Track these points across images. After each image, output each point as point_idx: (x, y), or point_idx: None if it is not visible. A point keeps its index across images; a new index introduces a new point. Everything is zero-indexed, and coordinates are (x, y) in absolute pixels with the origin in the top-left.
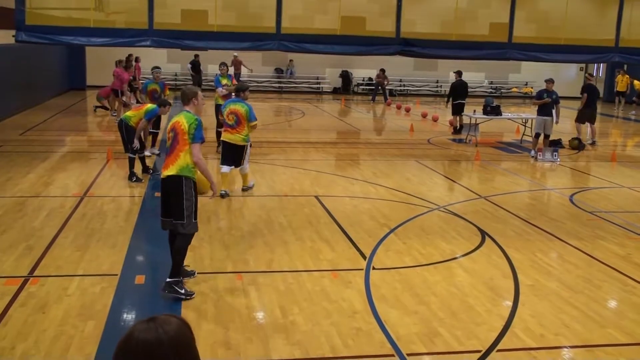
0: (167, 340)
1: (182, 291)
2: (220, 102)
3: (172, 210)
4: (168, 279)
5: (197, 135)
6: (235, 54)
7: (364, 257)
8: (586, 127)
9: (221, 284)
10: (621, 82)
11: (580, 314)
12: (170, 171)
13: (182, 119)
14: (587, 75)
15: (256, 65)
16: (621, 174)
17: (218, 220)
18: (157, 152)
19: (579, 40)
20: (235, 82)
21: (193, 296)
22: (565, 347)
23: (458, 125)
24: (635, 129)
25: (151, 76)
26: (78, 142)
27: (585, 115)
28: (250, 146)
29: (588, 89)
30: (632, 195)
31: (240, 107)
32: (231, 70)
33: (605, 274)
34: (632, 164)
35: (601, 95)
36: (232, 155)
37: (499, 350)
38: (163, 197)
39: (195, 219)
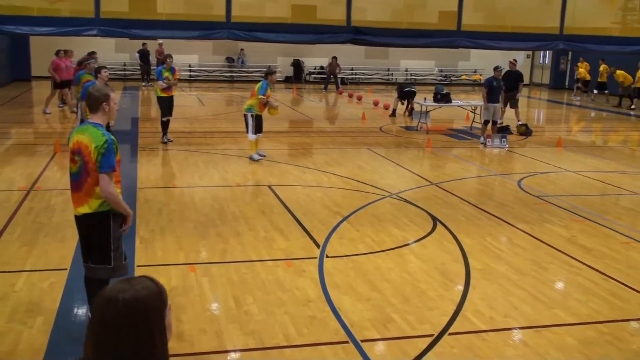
0: (122, 301)
1: None
2: (160, 94)
3: (93, 253)
4: None
5: (104, 163)
6: (160, 41)
7: (317, 245)
8: (511, 112)
9: (174, 276)
10: (580, 69)
11: (528, 295)
12: (85, 208)
13: (88, 140)
14: (510, 62)
15: (207, 55)
16: (567, 159)
17: (170, 211)
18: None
19: (526, 28)
20: (177, 76)
21: None
22: (514, 328)
23: (406, 110)
24: (581, 115)
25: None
26: (24, 134)
27: (507, 98)
28: (253, 117)
29: (504, 74)
30: (578, 179)
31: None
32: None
33: (552, 256)
34: (578, 149)
35: (546, 82)
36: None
37: (450, 334)
38: (81, 239)
39: (126, 259)
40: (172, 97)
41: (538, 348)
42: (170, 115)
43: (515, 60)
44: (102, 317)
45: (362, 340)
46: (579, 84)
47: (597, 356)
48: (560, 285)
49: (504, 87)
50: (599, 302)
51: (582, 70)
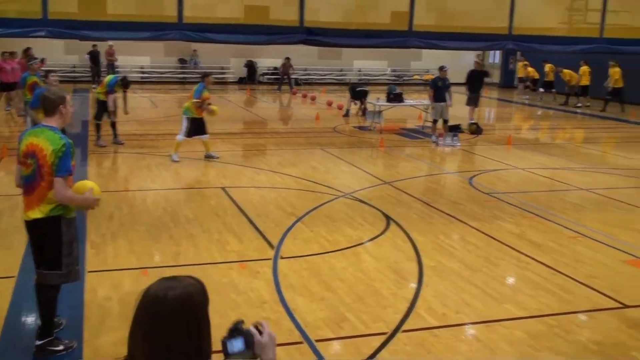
0: (172, 298)
1: (61, 347)
2: (102, 98)
3: (45, 258)
4: (38, 342)
5: (61, 167)
6: (111, 43)
7: (271, 246)
8: (472, 111)
9: (126, 281)
10: (521, 68)
11: (479, 291)
12: (36, 213)
13: (44, 143)
14: (476, 61)
15: (158, 56)
16: (516, 156)
17: (121, 215)
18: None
19: (476, 28)
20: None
21: (75, 345)
22: (466, 324)
23: (360, 110)
24: (530, 113)
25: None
26: None
27: (471, 98)
28: (188, 120)
29: (469, 74)
30: (526, 176)
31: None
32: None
33: (502, 252)
34: (526, 146)
35: (496, 80)
36: None
37: (404, 331)
38: (32, 245)
39: (78, 264)
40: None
41: (489, 342)
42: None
43: (481, 59)
44: (152, 314)
45: (316, 340)
46: (528, 83)
47: (546, 349)
48: (510, 280)
49: (467, 86)
50: (547, 296)
51: (531, 69)
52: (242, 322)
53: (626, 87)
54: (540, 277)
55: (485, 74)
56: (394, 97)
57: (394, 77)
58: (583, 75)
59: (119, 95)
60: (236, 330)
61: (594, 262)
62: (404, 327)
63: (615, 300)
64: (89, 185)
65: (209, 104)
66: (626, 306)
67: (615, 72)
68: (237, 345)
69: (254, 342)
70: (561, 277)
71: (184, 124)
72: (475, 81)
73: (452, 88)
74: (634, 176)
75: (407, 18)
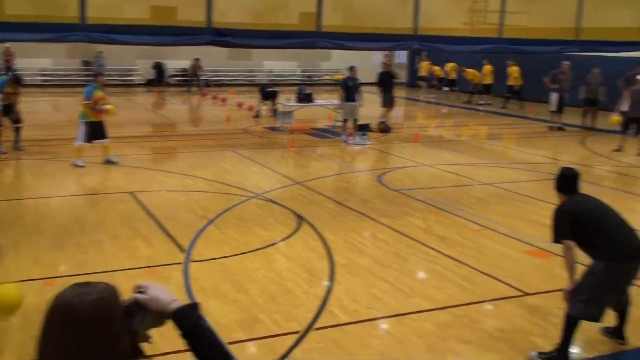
0: (88, 303)
1: None
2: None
3: None
4: None
5: None
6: (8, 45)
7: (182, 250)
8: (388, 111)
9: (29, 292)
10: (424, 68)
11: (390, 286)
12: None
13: None
14: (383, 61)
15: (60, 58)
16: (423, 153)
17: (24, 224)
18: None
19: (382, 28)
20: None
21: None
22: (377, 318)
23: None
24: (436, 111)
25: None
26: None
27: (386, 99)
28: (85, 124)
29: (380, 75)
30: (432, 173)
31: None
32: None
33: (411, 248)
34: (433, 144)
35: (404, 80)
36: None
37: (316, 329)
38: None
39: None
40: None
41: (399, 335)
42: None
43: (388, 59)
44: (67, 321)
45: (229, 343)
46: (434, 82)
47: (452, 338)
48: (418, 274)
49: (379, 87)
50: (453, 287)
51: (437, 68)
52: (129, 301)
53: (525, 85)
54: (447, 269)
55: (392, 75)
56: (304, 98)
57: (304, 78)
58: (487, 74)
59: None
60: (127, 312)
61: (497, 253)
62: (316, 324)
63: (517, 289)
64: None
65: (104, 104)
66: (527, 294)
67: (514, 71)
68: (136, 319)
69: (145, 304)
70: (466, 268)
71: (81, 129)
72: (386, 81)
73: (362, 88)
74: (533, 170)
75: (315, 19)
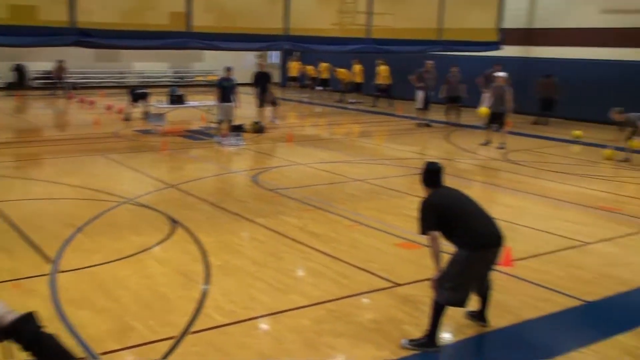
0: None
1: None
2: None
3: None
4: None
5: None
6: None
7: (49, 261)
8: (267, 111)
9: None
10: (294, 68)
11: (266, 285)
12: None
13: None
14: (259, 62)
15: None
16: (297, 153)
17: None
18: None
19: (254, 29)
20: None
21: None
22: (254, 318)
23: (141, 113)
24: (309, 111)
25: None
26: None
27: (261, 99)
28: None
29: (257, 75)
30: (306, 171)
31: None
32: None
33: (287, 246)
34: (306, 142)
35: (277, 80)
36: None
37: (192, 333)
38: None
39: None
40: None
41: (276, 333)
42: None
43: (262, 60)
44: None
45: (102, 354)
46: (307, 82)
47: (327, 333)
48: (294, 271)
49: (256, 87)
50: (328, 282)
51: (310, 67)
52: None
53: (393, 84)
54: (322, 265)
55: (268, 75)
56: (176, 99)
57: (176, 79)
58: (357, 73)
59: None
60: None
61: (369, 247)
62: (193, 328)
63: (389, 281)
64: None
65: None
66: (398, 285)
67: (383, 70)
68: None
69: None
70: (341, 264)
71: None
72: (262, 82)
73: (238, 89)
74: (403, 165)
75: (185, 19)
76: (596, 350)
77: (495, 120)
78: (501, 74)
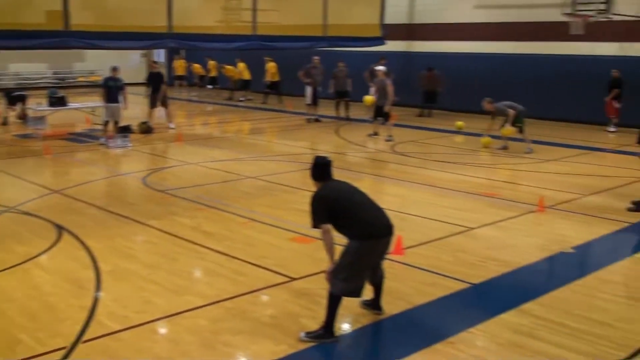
0: None
1: None
2: None
3: None
4: None
5: None
6: None
7: None
8: (159, 111)
9: None
10: (180, 66)
11: (160, 288)
12: None
13: None
14: (151, 62)
15: None
16: (187, 152)
17: None
18: None
19: (137, 27)
20: None
21: None
22: (149, 322)
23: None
24: (199, 109)
25: None
26: None
27: (153, 100)
28: None
29: (150, 76)
30: (198, 171)
31: None
32: None
33: (181, 247)
34: (196, 142)
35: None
36: None
37: (84, 342)
38: None
39: None
40: None
41: (172, 335)
42: None
43: (155, 61)
44: None
45: None
46: (196, 80)
47: (225, 331)
48: (189, 272)
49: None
50: (224, 281)
51: (197, 66)
52: None
53: (282, 81)
54: (217, 264)
55: (161, 75)
56: (57, 101)
57: (56, 80)
58: (243, 71)
59: None
60: None
61: (264, 243)
62: (85, 337)
63: (285, 275)
64: None
65: None
66: (293, 279)
67: (271, 67)
68: None
69: None
70: (236, 261)
71: None
72: (154, 82)
73: (127, 89)
74: (294, 161)
75: (63, 17)
76: (483, 330)
77: (381, 113)
78: (381, 67)
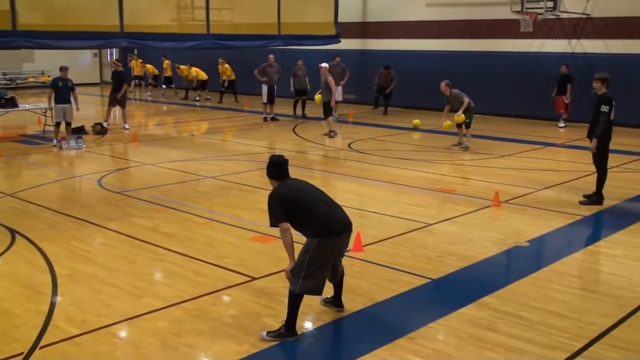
0: None
1: None
2: None
3: None
4: None
5: None
6: None
7: None
8: (114, 111)
9: None
10: (136, 66)
11: (118, 291)
12: None
13: None
14: (114, 61)
15: None
16: (144, 153)
17: None
18: None
19: (87, 26)
20: None
21: None
22: (108, 325)
23: None
24: (154, 109)
25: None
26: None
27: (112, 99)
28: None
29: (113, 74)
30: (155, 171)
31: None
32: None
33: (139, 249)
34: (152, 142)
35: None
36: None
37: (42, 347)
38: None
39: None
40: None
41: (132, 338)
42: None
43: (118, 60)
44: None
45: None
46: (150, 80)
47: (186, 332)
48: (148, 274)
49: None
50: (184, 282)
51: (150, 66)
52: None
53: (239, 79)
54: (176, 265)
55: (123, 75)
56: (6, 103)
57: (5, 81)
58: (199, 72)
59: None
60: None
61: (224, 243)
62: (42, 342)
63: (245, 275)
64: None
65: None
66: (254, 278)
67: (225, 69)
68: None
69: None
70: (195, 262)
71: None
72: (117, 81)
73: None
74: (252, 160)
75: (10, 17)
76: (443, 324)
77: (326, 109)
78: (322, 64)
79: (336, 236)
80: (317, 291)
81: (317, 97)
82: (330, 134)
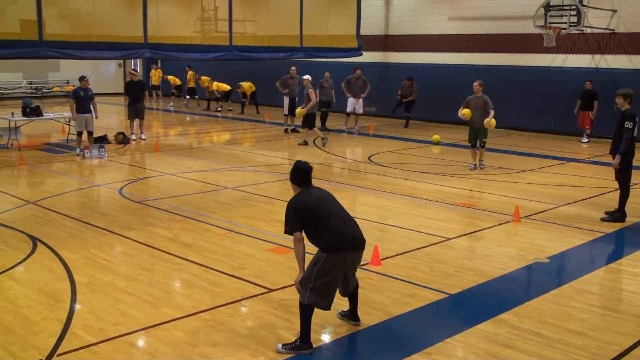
0: None
1: None
2: None
3: None
4: None
5: None
6: None
7: None
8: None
9: None
10: (155, 76)
11: (136, 300)
12: None
13: None
14: (130, 71)
15: None
16: (164, 162)
17: None
18: None
19: (111, 37)
20: None
21: None
22: (125, 334)
23: None
24: (176, 119)
25: None
26: None
27: (130, 111)
28: None
29: (129, 85)
30: (175, 181)
31: None
32: None
33: (157, 258)
34: (173, 152)
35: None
36: None
37: (59, 355)
38: None
39: None
40: None
41: (148, 348)
42: None
43: (135, 70)
44: None
45: None
46: (173, 90)
47: (202, 343)
48: (166, 284)
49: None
50: (201, 292)
51: (171, 77)
52: None
53: (260, 91)
54: (194, 275)
55: (142, 85)
56: (31, 111)
57: (31, 90)
58: (218, 85)
59: None
60: None
61: (242, 254)
62: (60, 350)
63: (262, 286)
64: None
65: None
66: (271, 290)
67: (246, 87)
68: None
69: None
70: (213, 273)
71: None
72: (135, 92)
73: (100, 98)
74: (271, 171)
75: (37, 27)
76: (460, 340)
77: (313, 121)
78: (305, 76)
79: (345, 252)
80: (325, 306)
81: (299, 110)
82: (305, 142)
